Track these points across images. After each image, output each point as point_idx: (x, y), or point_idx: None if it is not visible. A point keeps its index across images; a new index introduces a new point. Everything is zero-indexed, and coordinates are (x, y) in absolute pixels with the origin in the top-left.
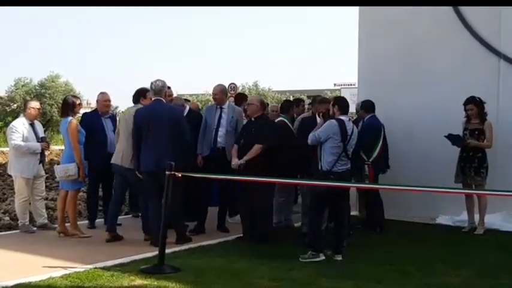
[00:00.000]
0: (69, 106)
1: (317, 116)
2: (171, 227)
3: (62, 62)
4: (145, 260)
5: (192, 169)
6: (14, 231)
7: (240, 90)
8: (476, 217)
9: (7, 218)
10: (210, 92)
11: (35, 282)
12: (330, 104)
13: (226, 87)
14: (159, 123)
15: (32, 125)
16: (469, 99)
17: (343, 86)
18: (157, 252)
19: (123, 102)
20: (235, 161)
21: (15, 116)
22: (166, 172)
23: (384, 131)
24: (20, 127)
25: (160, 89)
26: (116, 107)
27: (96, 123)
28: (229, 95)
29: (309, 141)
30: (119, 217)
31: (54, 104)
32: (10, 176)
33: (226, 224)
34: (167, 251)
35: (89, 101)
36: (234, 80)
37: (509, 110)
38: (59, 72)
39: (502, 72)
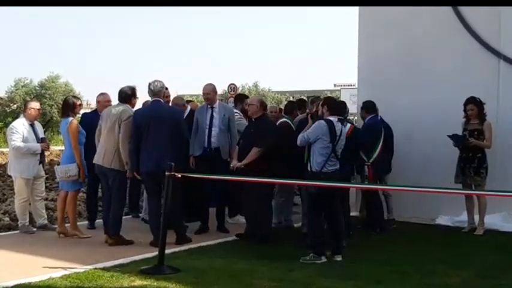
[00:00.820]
0: (69, 107)
1: (308, 117)
2: (170, 227)
3: (62, 62)
4: (145, 261)
5: (189, 170)
6: (13, 232)
7: (240, 90)
8: (476, 217)
9: (7, 219)
10: None
11: (35, 283)
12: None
13: (226, 87)
14: (159, 124)
15: (32, 125)
16: (470, 100)
17: (343, 87)
18: (157, 253)
19: None
20: (234, 163)
21: (15, 117)
22: (166, 173)
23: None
24: (20, 128)
25: (160, 90)
26: None
27: (96, 123)
28: (229, 95)
29: (298, 142)
30: None
31: (54, 105)
32: (10, 176)
33: (226, 224)
34: (167, 251)
35: (88, 102)
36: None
37: (509, 110)
38: (59, 73)
39: (502, 72)
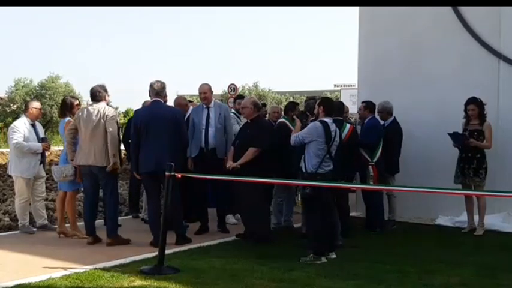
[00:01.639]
0: (67, 107)
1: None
2: (170, 228)
3: (62, 63)
4: (145, 261)
5: (188, 171)
6: (14, 232)
7: (240, 91)
8: (476, 218)
9: (7, 219)
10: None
11: (35, 283)
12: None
13: (226, 88)
14: (159, 124)
15: (33, 125)
16: (471, 100)
17: (343, 87)
18: (157, 253)
19: (123, 103)
20: (229, 164)
21: (15, 117)
22: (166, 173)
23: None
24: (21, 127)
25: (162, 90)
26: (116, 108)
27: None
28: (229, 95)
29: (292, 142)
30: (119, 218)
31: (54, 105)
32: (10, 176)
33: (226, 224)
34: (167, 251)
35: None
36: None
37: (509, 110)
38: (59, 73)
39: (502, 72)
